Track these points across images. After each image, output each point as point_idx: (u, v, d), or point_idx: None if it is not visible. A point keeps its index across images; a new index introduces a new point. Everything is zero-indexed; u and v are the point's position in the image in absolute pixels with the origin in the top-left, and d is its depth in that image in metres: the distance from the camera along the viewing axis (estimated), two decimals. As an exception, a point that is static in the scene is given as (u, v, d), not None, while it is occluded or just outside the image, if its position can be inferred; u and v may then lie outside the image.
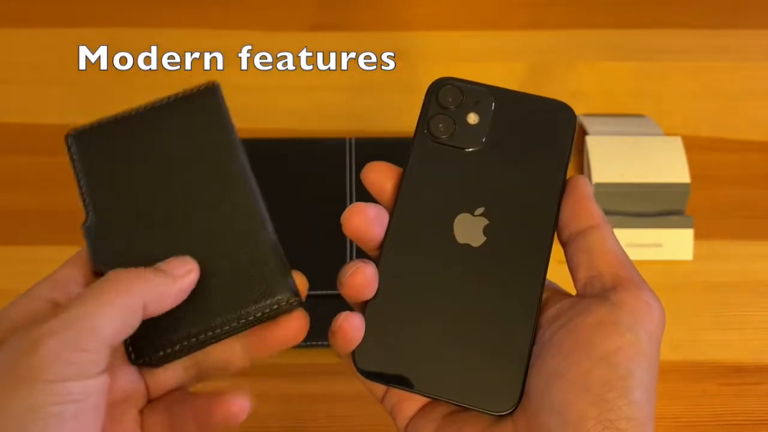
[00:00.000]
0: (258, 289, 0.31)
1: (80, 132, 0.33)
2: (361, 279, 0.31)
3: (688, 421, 0.50)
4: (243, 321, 0.30)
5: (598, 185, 0.56)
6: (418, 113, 0.35)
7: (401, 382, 0.30)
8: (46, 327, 0.25)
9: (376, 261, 0.32)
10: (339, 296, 0.53)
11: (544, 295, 0.32)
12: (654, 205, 0.57)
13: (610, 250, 0.31)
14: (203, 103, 0.34)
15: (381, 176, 0.34)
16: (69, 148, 0.33)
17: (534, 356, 0.30)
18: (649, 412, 0.27)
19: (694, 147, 0.60)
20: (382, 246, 0.32)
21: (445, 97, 0.34)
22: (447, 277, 0.31)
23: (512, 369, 0.30)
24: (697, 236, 0.56)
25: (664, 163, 0.57)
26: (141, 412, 0.31)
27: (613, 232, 0.31)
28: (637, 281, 0.30)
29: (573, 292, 0.32)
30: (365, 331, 0.31)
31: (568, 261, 0.32)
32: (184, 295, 0.30)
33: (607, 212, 0.56)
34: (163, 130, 0.34)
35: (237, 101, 0.64)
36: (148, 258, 0.30)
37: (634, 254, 0.56)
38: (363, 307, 0.32)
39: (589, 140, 0.59)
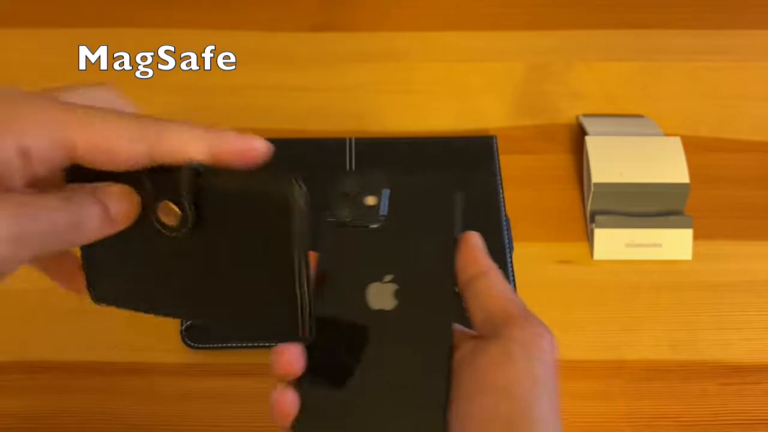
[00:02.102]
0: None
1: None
2: (288, 356, 0.32)
3: (687, 421, 0.50)
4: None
5: (598, 185, 0.56)
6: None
7: None
8: None
9: None
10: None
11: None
12: (653, 205, 0.57)
13: (497, 292, 0.33)
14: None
15: None
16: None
17: (452, 403, 0.31)
18: (555, 430, 0.30)
19: (693, 147, 0.60)
20: None
21: (343, 185, 0.38)
22: (368, 342, 0.34)
23: (434, 417, 0.32)
24: (697, 236, 0.56)
25: (664, 164, 0.57)
26: None
27: (500, 276, 0.34)
28: (525, 315, 0.33)
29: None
30: (303, 403, 0.32)
31: (466, 307, 0.34)
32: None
33: (606, 212, 0.57)
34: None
35: (237, 102, 0.65)
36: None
37: (633, 254, 0.56)
38: (297, 382, 0.33)
39: (589, 140, 0.59)
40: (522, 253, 0.56)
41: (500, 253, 0.55)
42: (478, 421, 0.29)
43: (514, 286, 0.53)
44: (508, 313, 0.32)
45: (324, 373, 0.33)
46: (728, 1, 0.71)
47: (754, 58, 0.68)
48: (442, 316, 0.34)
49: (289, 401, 0.32)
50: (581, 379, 0.51)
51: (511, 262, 0.55)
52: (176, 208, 0.28)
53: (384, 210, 0.37)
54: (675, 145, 0.58)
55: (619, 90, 0.66)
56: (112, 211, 0.27)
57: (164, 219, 0.28)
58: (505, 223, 0.56)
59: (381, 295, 0.35)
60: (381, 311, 0.34)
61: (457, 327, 0.35)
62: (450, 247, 0.36)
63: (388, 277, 0.35)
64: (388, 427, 0.32)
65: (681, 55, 0.68)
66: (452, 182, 0.38)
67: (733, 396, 0.51)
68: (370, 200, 0.38)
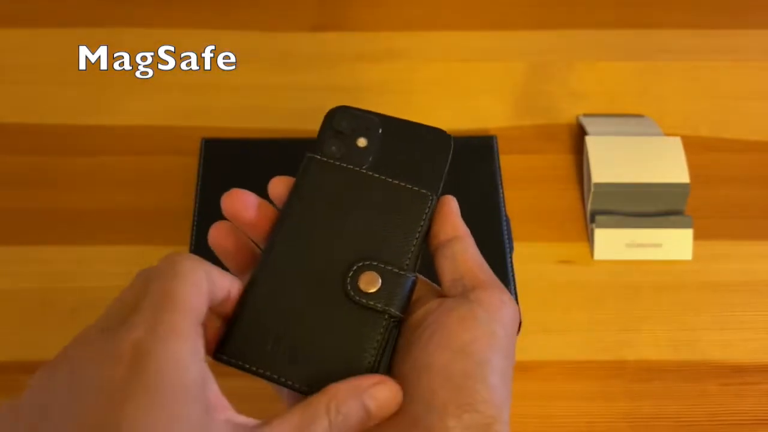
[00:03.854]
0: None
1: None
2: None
3: (687, 421, 0.50)
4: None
5: (598, 185, 0.56)
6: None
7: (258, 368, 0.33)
8: None
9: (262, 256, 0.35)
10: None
11: (417, 294, 0.35)
12: (653, 205, 0.57)
13: (470, 257, 0.35)
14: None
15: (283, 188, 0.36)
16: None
17: (404, 351, 0.32)
18: (505, 394, 0.31)
19: (693, 147, 0.60)
20: (267, 240, 0.35)
21: (339, 122, 0.38)
22: (312, 272, 0.34)
23: (365, 352, 0.32)
24: (697, 236, 0.56)
25: (664, 163, 0.57)
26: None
27: (473, 243, 0.35)
28: (493, 283, 0.34)
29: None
30: (236, 320, 0.33)
31: (436, 267, 0.35)
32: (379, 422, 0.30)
33: (606, 212, 0.57)
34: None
35: (237, 102, 0.65)
36: None
37: (633, 254, 0.56)
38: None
39: (589, 140, 0.59)
40: (522, 253, 0.56)
41: (500, 253, 0.55)
42: (435, 374, 0.30)
43: (515, 286, 0.53)
44: (477, 278, 0.34)
45: (266, 295, 0.33)
46: (728, 1, 0.71)
47: (753, 58, 0.68)
48: (395, 267, 0.34)
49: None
50: (581, 379, 0.51)
51: (511, 262, 0.55)
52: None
53: (373, 153, 0.37)
54: (675, 145, 0.58)
55: (619, 90, 0.66)
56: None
57: (363, 287, 0.33)
58: (505, 223, 0.56)
59: (343, 236, 0.34)
60: (337, 249, 0.34)
61: (426, 282, 0.36)
62: (424, 202, 0.35)
63: (354, 220, 0.35)
64: (311, 363, 0.32)
65: (681, 55, 0.68)
66: (448, 137, 0.38)
67: (733, 396, 0.51)
68: (361, 142, 0.37)
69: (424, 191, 0.36)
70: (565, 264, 0.56)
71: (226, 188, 0.58)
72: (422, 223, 0.35)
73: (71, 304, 0.54)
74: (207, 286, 0.29)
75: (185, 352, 0.27)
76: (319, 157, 0.37)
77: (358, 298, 0.33)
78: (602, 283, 0.55)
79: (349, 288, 0.33)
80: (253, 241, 0.36)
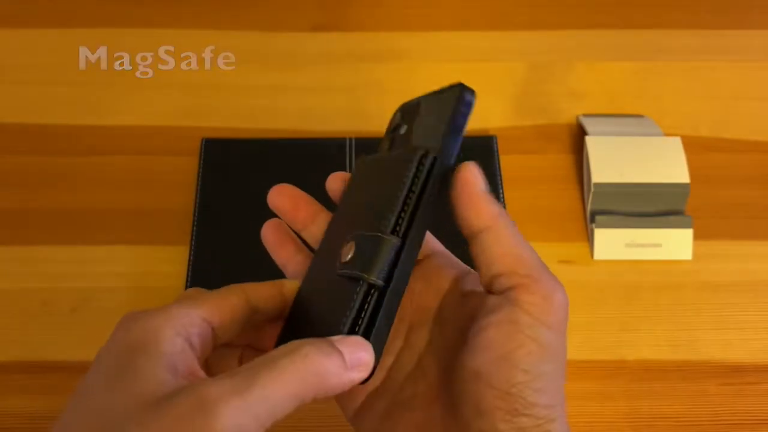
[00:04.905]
0: None
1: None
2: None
3: (687, 421, 0.50)
4: None
5: (598, 185, 0.56)
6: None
7: None
8: (221, 390, 0.26)
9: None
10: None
11: (465, 288, 0.33)
12: (653, 205, 0.57)
13: (505, 250, 0.31)
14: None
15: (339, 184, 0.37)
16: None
17: (454, 354, 0.31)
18: (555, 394, 0.30)
19: (693, 147, 0.60)
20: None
21: (393, 118, 0.37)
22: (330, 265, 0.34)
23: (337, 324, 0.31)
24: (697, 236, 0.56)
25: (664, 163, 0.57)
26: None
27: (509, 227, 0.31)
28: (536, 276, 0.31)
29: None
30: (287, 320, 0.34)
31: (473, 259, 0.32)
32: (348, 388, 0.29)
33: (606, 212, 0.57)
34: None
35: (237, 102, 0.65)
36: None
37: (633, 254, 0.56)
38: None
39: (589, 140, 0.59)
40: (522, 253, 0.56)
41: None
42: (481, 380, 0.29)
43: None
44: (516, 274, 0.30)
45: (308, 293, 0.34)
46: (728, 1, 0.72)
47: (753, 58, 0.68)
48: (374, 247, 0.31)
49: None
50: (581, 379, 0.51)
51: (511, 262, 0.54)
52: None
53: (407, 135, 0.35)
54: (675, 145, 0.58)
55: (619, 90, 0.66)
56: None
57: (342, 258, 0.32)
58: (505, 223, 0.56)
59: (349, 220, 0.34)
60: (343, 235, 0.33)
61: (475, 275, 0.33)
62: (409, 161, 0.32)
63: (359, 202, 0.34)
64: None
65: (681, 55, 0.68)
66: (458, 86, 0.33)
67: (733, 396, 0.51)
68: (403, 129, 0.35)
69: (411, 152, 0.32)
70: (565, 264, 0.56)
71: (226, 188, 0.58)
72: (405, 183, 0.31)
73: (71, 304, 0.54)
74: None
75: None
76: (364, 155, 0.36)
77: (340, 270, 0.32)
78: (602, 283, 0.55)
79: (337, 265, 0.32)
80: (299, 236, 0.37)
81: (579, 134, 0.63)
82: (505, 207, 0.57)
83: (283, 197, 0.37)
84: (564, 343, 0.31)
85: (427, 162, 0.32)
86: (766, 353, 0.52)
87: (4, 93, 0.65)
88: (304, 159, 0.59)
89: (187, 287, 0.53)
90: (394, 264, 0.31)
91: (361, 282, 0.30)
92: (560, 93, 0.65)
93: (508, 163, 0.60)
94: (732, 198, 0.60)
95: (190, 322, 0.29)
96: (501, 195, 0.57)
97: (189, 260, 0.54)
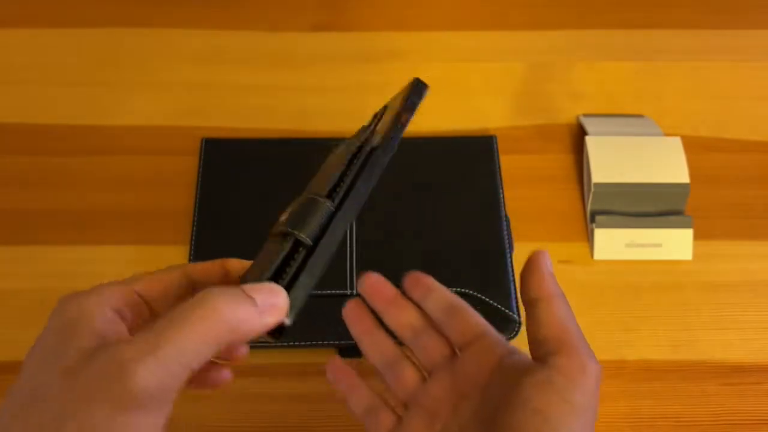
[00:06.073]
0: None
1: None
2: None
3: (687, 421, 0.50)
4: None
5: (598, 185, 0.56)
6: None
7: None
8: (135, 349, 0.27)
9: None
10: (339, 296, 0.53)
11: (511, 363, 0.36)
12: (653, 205, 0.57)
13: (555, 320, 0.35)
14: None
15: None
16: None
17: (493, 409, 0.35)
18: None
19: (693, 147, 0.60)
20: None
21: (375, 115, 0.40)
22: None
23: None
24: (697, 236, 0.56)
25: (664, 164, 0.57)
26: None
27: (562, 303, 0.36)
28: (576, 345, 0.34)
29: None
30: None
31: (526, 323, 0.36)
32: (259, 334, 0.30)
33: (606, 212, 0.57)
34: None
35: (237, 102, 0.65)
36: None
37: (633, 254, 0.56)
38: None
39: (589, 140, 0.59)
40: (522, 253, 0.56)
41: (500, 253, 0.55)
42: (514, 430, 0.32)
43: (514, 286, 0.53)
44: (560, 342, 0.34)
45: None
46: (728, 1, 0.72)
47: (754, 58, 0.68)
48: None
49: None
50: (581, 379, 0.51)
51: (511, 262, 0.55)
52: None
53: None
54: (675, 145, 0.58)
55: (619, 90, 0.66)
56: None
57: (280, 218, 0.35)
58: (505, 223, 0.56)
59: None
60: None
61: (518, 351, 0.37)
62: (357, 137, 0.36)
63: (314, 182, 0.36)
64: None
65: (681, 55, 0.68)
66: (415, 81, 0.37)
67: (733, 396, 0.51)
68: (373, 124, 0.38)
69: (354, 140, 0.36)
70: (565, 264, 0.56)
71: (226, 188, 0.58)
72: (345, 162, 0.35)
73: (71, 304, 0.54)
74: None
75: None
76: (334, 146, 0.39)
77: (275, 229, 0.33)
78: (602, 283, 0.55)
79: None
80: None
81: (579, 134, 0.63)
82: (505, 207, 0.57)
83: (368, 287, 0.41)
84: (594, 406, 0.34)
85: (366, 146, 0.35)
86: (766, 353, 0.52)
87: (4, 93, 0.65)
88: (304, 159, 0.59)
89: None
90: (324, 226, 0.33)
91: (289, 237, 0.32)
92: (560, 93, 0.65)
93: (508, 163, 0.60)
94: (732, 198, 0.60)
95: (120, 295, 0.32)
96: (501, 195, 0.57)
97: (189, 260, 0.54)
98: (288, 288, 0.31)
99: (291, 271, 0.32)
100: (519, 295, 0.53)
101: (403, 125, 0.36)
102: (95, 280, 0.55)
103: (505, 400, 0.34)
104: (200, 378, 0.35)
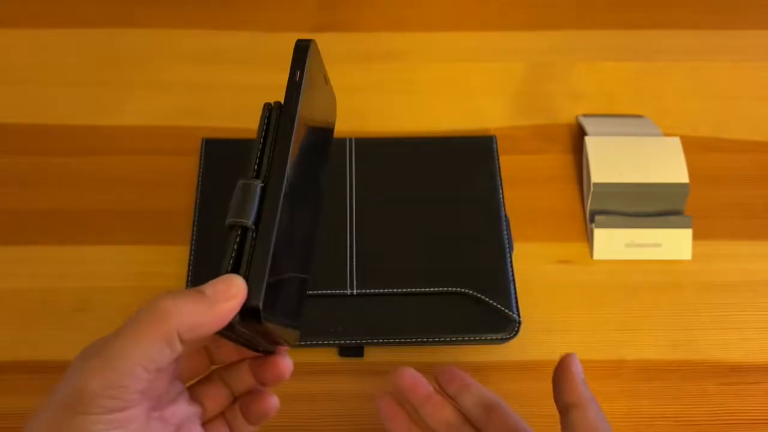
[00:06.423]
0: None
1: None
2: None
3: (686, 421, 0.50)
4: None
5: (597, 185, 0.56)
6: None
7: None
8: (90, 366, 0.29)
9: None
10: (339, 296, 0.53)
11: None
12: (653, 205, 0.57)
13: (586, 426, 0.37)
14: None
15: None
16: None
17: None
18: None
19: (693, 147, 0.60)
20: None
21: None
22: None
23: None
24: (696, 236, 0.56)
25: (663, 164, 0.57)
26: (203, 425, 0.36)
27: (594, 409, 0.37)
28: None
29: None
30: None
31: (561, 429, 0.38)
32: (224, 322, 0.31)
33: (606, 212, 0.57)
34: None
35: (238, 102, 0.65)
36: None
37: (633, 254, 0.56)
38: None
39: (588, 140, 0.59)
40: (522, 253, 0.56)
41: (500, 253, 0.55)
42: None
43: (515, 286, 0.53)
44: None
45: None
46: (728, 1, 0.72)
47: (754, 58, 0.68)
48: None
49: None
50: (581, 379, 0.51)
51: (511, 262, 0.55)
52: None
53: None
54: (674, 145, 0.58)
55: (618, 90, 0.66)
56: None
57: None
58: (504, 223, 0.56)
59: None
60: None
61: None
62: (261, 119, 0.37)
63: None
64: None
65: (681, 55, 0.68)
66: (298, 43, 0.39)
67: (732, 396, 0.51)
68: None
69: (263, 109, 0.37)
70: (565, 264, 0.56)
71: (226, 188, 0.58)
72: (258, 131, 0.36)
73: (71, 304, 0.54)
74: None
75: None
76: None
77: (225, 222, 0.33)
78: (601, 283, 0.55)
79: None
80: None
81: (579, 134, 0.63)
82: (504, 207, 0.57)
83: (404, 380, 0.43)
84: None
85: (273, 114, 0.37)
86: (765, 353, 0.52)
87: (4, 93, 0.65)
88: (304, 159, 0.59)
89: (187, 287, 0.53)
90: (261, 204, 0.33)
91: (234, 228, 0.32)
92: (560, 93, 0.65)
93: (507, 163, 0.60)
94: (731, 198, 0.60)
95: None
96: (501, 195, 0.58)
97: (189, 260, 0.54)
98: (248, 272, 0.31)
99: (245, 256, 0.32)
100: (517, 292, 0.53)
101: (298, 83, 0.37)
102: (95, 280, 0.55)
103: None
104: (249, 408, 0.37)
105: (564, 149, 0.62)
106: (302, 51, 0.38)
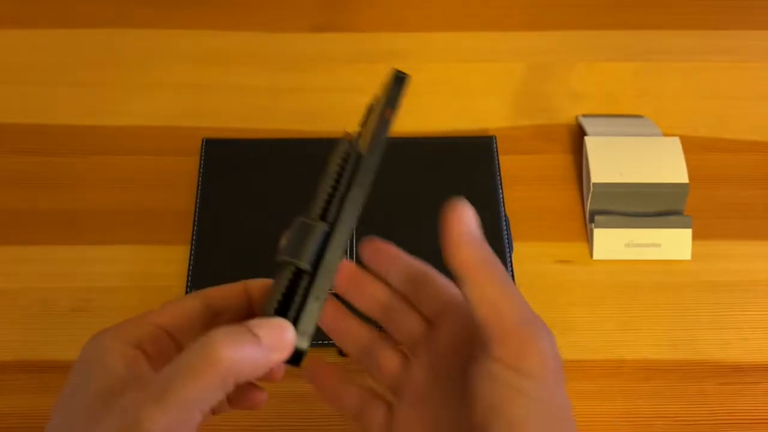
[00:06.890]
0: None
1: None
2: None
3: (686, 421, 0.50)
4: None
5: (597, 185, 0.56)
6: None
7: None
8: (144, 398, 0.27)
9: None
10: (338, 296, 0.53)
11: (465, 333, 0.34)
12: (653, 205, 0.57)
13: (484, 300, 0.31)
14: None
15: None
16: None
17: (459, 408, 0.33)
18: None
19: (692, 147, 0.60)
20: None
21: (365, 112, 0.39)
22: None
23: None
24: (696, 236, 0.56)
25: (663, 164, 0.57)
26: None
27: (489, 275, 0.31)
28: (509, 327, 0.30)
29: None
30: None
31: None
32: (269, 368, 0.30)
33: (605, 212, 0.57)
34: None
35: (238, 102, 0.65)
36: None
37: (632, 254, 0.56)
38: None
39: (588, 141, 0.59)
40: (521, 253, 0.56)
41: (500, 253, 0.55)
42: (468, 428, 0.30)
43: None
44: (496, 327, 0.30)
45: None
46: (728, 1, 0.72)
47: (753, 58, 0.68)
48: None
49: None
50: (580, 379, 0.51)
51: (511, 262, 0.55)
52: None
53: None
54: (674, 145, 0.58)
55: (618, 90, 0.66)
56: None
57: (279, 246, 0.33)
58: (504, 223, 0.56)
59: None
60: None
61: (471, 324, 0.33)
62: (336, 146, 0.34)
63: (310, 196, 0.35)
64: None
65: (681, 55, 0.68)
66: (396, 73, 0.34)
67: (732, 396, 0.51)
68: (365, 123, 0.38)
69: (338, 145, 0.34)
70: (565, 264, 0.56)
71: (226, 188, 0.58)
72: (330, 174, 0.33)
73: (71, 304, 0.54)
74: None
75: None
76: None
77: (277, 258, 0.32)
78: (601, 283, 0.55)
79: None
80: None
81: (578, 134, 0.63)
82: (504, 207, 0.57)
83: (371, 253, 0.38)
84: (557, 391, 0.30)
85: (352, 154, 0.34)
86: (765, 353, 0.53)
87: (4, 93, 0.65)
88: (305, 159, 0.59)
89: (187, 287, 0.53)
90: (322, 248, 0.32)
91: (290, 266, 0.32)
92: (560, 93, 0.65)
93: (507, 163, 0.60)
94: (731, 198, 0.60)
95: (138, 331, 0.32)
96: (500, 195, 0.58)
97: (189, 260, 0.54)
98: (297, 316, 0.31)
99: (297, 299, 0.31)
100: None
101: (387, 122, 0.34)
102: (95, 280, 0.55)
103: (463, 398, 0.32)
104: (238, 399, 0.35)
105: (564, 149, 0.62)
106: (399, 84, 0.34)
